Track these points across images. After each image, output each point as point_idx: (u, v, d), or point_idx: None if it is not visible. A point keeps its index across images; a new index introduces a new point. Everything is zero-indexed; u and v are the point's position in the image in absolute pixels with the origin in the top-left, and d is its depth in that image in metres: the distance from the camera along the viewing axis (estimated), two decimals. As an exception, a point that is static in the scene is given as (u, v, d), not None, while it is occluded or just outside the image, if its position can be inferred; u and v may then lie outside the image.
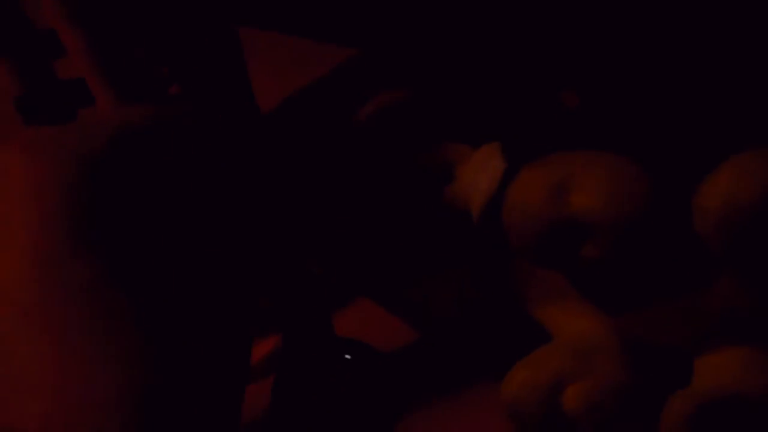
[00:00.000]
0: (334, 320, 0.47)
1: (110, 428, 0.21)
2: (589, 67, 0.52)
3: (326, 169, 0.52)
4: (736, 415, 0.39)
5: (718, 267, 0.38)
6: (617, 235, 0.35)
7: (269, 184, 0.35)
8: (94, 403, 0.21)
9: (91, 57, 0.38)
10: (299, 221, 0.46)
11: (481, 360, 0.47)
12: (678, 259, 0.37)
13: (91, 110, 0.28)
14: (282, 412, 0.48)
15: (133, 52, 0.38)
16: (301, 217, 0.49)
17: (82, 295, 0.22)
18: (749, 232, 0.35)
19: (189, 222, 0.26)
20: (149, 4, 0.38)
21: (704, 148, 0.37)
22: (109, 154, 0.25)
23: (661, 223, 0.35)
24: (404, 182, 0.51)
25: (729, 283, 0.38)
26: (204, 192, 0.28)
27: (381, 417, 0.47)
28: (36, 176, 0.23)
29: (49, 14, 0.36)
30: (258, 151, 0.34)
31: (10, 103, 0.45)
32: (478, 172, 0.46)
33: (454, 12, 0.59)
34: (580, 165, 0.35)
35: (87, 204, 0.23)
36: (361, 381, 0.49)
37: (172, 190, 0.26)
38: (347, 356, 0.48)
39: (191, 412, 0.23)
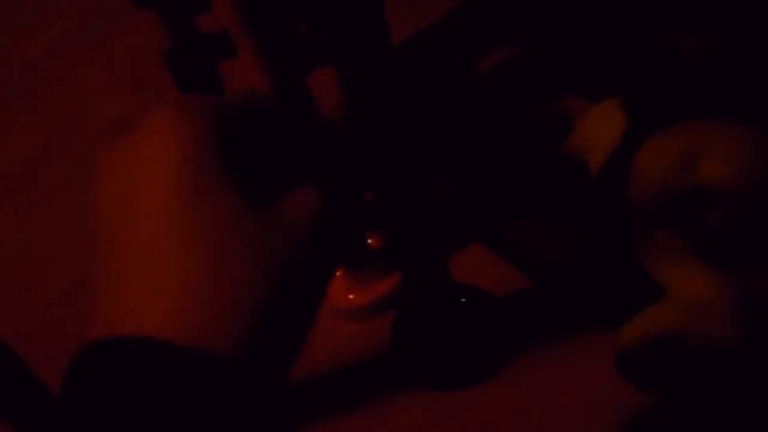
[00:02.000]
0: (451, 265, 0.49)
1: (241, 326, 0.24)
2: (716, 10, 0.51)
3: (449, 116, 0.53)
4: None
5: None
6: (745, 203, 0.35)
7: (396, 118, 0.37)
8: (216, 303, 0.24)
9: (235, 11, 0.40)
10: (421, 156, 0.47)
11: (592, 310, 0.49)
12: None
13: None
14: (400, 348, 0.51)
15: (276, 6, 0.41)
16: (423, 152, 0.50)
17: (215, 218, 0.25)
18: None
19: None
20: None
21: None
22: (238, 116, 0.29)
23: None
24: (524, 132, 0.52)
25: None
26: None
27: (493, 359, 0.49)
28: (185, 131, 0.27)
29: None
30: (390, 83, 0.37)
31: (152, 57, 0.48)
32: (598, 128, 0.47)
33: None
34: (711, 135, 0.36)
35: (221, 150, 0.27)
36: (476, 323, 0.51)
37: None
38: (463, 299, 0.51)
39: (289, 321, 0.26)
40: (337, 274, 0.53)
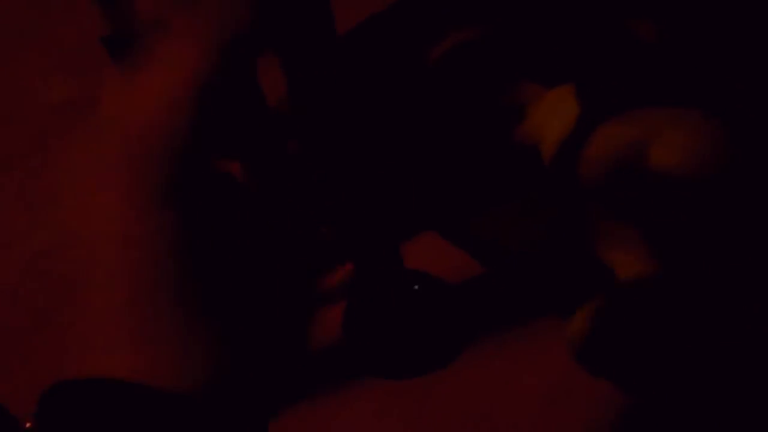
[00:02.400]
0: (403, 252, 0.49)
1: (190, 376, 0.24)
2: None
3: (399, 103, 0.52)
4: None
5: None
6: (694, 191, 0.35)
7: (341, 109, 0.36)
8: (174, 357, 0.24)
9: None
10: (370, 149, 0.47)
11: (545, 296, 0.49)
12: (754, 215, 0.38)
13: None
14: (352, 338, 0.50)
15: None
16: (372, 145, 0.50)
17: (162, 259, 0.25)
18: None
19: None
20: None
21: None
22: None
23: (738, 181, 0.36)
24: (476, 118, 0.52)
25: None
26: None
27: (446, 347, 0.49)
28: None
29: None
30: (335, 71, 0.36)
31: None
32: (551, 115, 0.47)
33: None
34: (662, 121, 0.35)
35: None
36: (428, 311, 0.51)
37: None
38: (416, 286, 0.50)
39: (256, 360, 0.26)
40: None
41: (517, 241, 0.50)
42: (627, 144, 0.36)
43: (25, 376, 0.52)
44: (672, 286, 0.42)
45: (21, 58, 0.74)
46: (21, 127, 0.69)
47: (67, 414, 0.23)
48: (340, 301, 0.51)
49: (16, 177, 0.65)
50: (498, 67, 0.51)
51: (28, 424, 0.46)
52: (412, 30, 0.53)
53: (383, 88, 0.52)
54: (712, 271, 0.40)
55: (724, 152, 0.35)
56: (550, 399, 0.46)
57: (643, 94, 0.40)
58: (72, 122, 0.67)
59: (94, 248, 0.26)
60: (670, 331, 0.43)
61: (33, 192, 0.64)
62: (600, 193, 0.38)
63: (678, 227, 0.39)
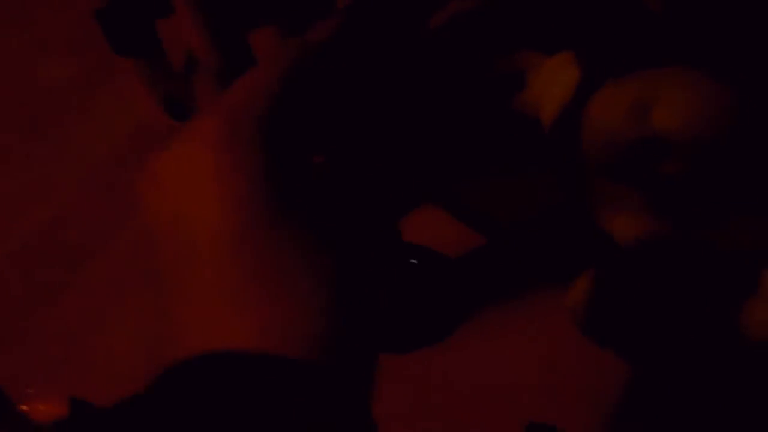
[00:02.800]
0: (401, 226, 0.48)
1: (305, 340, 0.24)
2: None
3: (400, 72, 0.52)
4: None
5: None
6: (699, 153, 0.35)
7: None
8: (297, 317, 0.24)
9: None
10: (372, 121, 0.47)
11: (548, 265, 0.49)
12: (755, 178, 0.37)
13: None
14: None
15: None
16: (374, 117, 0.49)
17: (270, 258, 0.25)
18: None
19: None
20: None
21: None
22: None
23: (742, 143, 0.35)
24: (476, 87, 0.51)
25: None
26: None
27: (446, 320, 0.49)
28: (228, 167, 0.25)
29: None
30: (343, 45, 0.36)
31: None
32: (551, 82, 0.46)
33: None
34: (664, 83, 0.35)
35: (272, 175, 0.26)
36: (427, 285, 0.50)
37: None
38: (413, 261, 0.50)
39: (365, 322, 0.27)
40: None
41: (517, 210, 0.50)
42: (627, 106, 0.35)
43: (20, 357, 0.52)
44: (673, 250, 0.42)
45: (15, 39, 0.74)
46: (18, 108, 0.68)
47: (193, 390, 0.23)
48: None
49: (12, 160, 0.65)
50: (497, 35, 0.50)
51: (24, 407, 0.46)
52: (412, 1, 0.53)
53: (384, 55, 0.51)
54: (713, 234, 0.40)
55: (726, 112, 0.34)
56: (550, 367, 0.46)
57: (645, 59, 0.39)
58: (70, 102, 0.67)
59: (193, 214, 0.25)
60: (670, 299, 0.42)
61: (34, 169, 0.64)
62: (601, 157, 0.38)
63: (682, 190, 0.38)
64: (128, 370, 0.50)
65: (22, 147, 0.65)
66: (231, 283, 0.24)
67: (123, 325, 0.52)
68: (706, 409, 0.44)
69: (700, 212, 0.40)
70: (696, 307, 0.42)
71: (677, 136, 0.34)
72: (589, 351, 0.44)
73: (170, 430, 0.22)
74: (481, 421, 0.45)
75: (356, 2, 0.55)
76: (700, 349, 0.44)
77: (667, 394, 0.44)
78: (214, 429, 0.22)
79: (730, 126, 0.34)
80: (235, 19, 0.41)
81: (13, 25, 0.74)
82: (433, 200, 0.53)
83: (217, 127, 0.26)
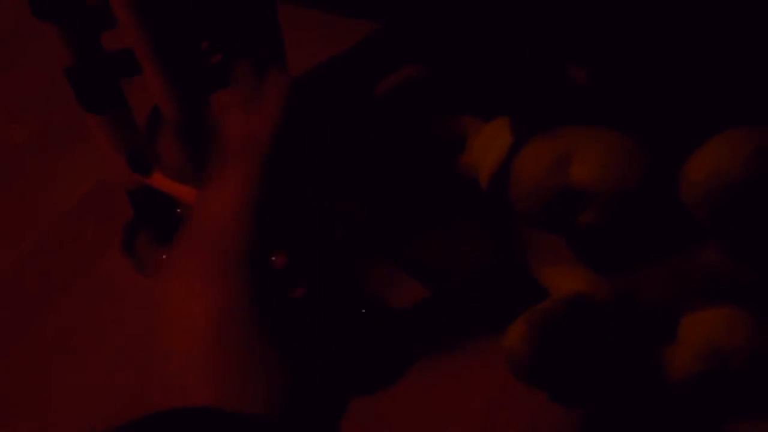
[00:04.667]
0: (364, 277, 0.51)
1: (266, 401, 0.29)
2: (597, 42, 0.55)
3: (347, 135, 0.56)
4: (719, 366, 0.43)
5: (703, 235, 0.41)
6: (612, 204, 0.39)
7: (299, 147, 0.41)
8: (252, 387, 0.29)
9: (140, 29, 0.42)
10: (323, 180, 0.50)
11: (484, 314, 0.52)
12: (667, 227, 0.41)
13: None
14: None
15: (179, 26, 0.42)
16: (324, 176, 0.53)
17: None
18: (732, 204, 0.39)
19: None
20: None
21: (693, 125, 0.41)
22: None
23: (652, 194, 0.39)
24: (420, 151, 0.55)
25: (713, 249, 0.42)
26: None
27: (391, 366, 0.51)
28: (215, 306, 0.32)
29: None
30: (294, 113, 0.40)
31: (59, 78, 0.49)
32: (488, 145, 0.50)
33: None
34: (581, 139, 0.39)
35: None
36: (375, 332, 0.53)
37: None
38: (363, 310, 0.53)
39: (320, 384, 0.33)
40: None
41: (458, 263, 0.53)
42: (549, 160, 0.39)
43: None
44: (596, 305, 0.45)
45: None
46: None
47: None
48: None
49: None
50: (441, 101, 0.54)
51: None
52: (363, 66, 0.57)
53: (335, 119, 0.55)
54: (634, 283, 0.43)
55: (636, 165, 0.38)
56: (491, 411, 0.48)
57: (568, 120, 0.43)
58: (37, 161, 0.70)
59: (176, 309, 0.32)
60: (597, 346, 0.45)
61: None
62: (527, 208, 0.41)
63: (600, 239, 0.42)
64: (82, 422, 0.52)
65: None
66: (202, 360, 0.30)
67: (70, 374, 0.54)
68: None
69: (619, 261, 0.44)
70: (619, 353, 0.46)
71: (593, 187, 0.38)
72: (528, 394, 0.46)
73: None
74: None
75: (314, 70, 0.59)
76: (624, 391, 0.47)
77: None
78: None
79: (639, 177, 0.38)
80: (200, 80, 0.44)
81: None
82: (382, 252, 0.56)
83: (203, 262, 0.33)
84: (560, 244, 0.45)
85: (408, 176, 0.56)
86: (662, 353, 0.45)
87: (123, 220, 0.58)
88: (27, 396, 0.54)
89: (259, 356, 0.30)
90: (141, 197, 0.55)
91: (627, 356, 0.45)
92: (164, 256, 0.58)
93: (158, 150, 0.51)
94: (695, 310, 0.45)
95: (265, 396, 0.29)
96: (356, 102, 0.57)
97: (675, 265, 0.43)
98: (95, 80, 0.48)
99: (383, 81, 0.56)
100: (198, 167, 0.46)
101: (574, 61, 0.55)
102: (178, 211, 0.57)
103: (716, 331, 0.43)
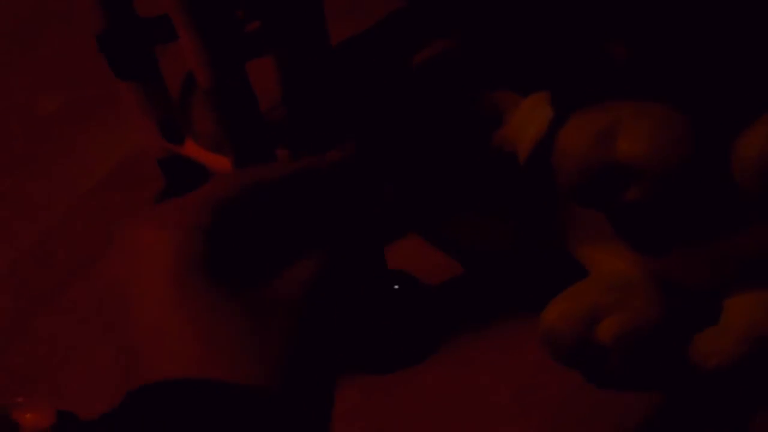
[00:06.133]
0: (387, 253, 0.50)
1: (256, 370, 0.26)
2: (639, 18, 0.54)
3: (383, 108, 0.55)
4: (761, 352, 0.42)
5: (751, 214, 0.40)
6: (660, 180, 0.37)
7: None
8: (240, 354, 0.26)
9: None
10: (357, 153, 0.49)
11: (521, 293, 0.51)
12: (714, 206, 0.40)
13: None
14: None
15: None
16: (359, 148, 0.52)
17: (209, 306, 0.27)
18: (784, 182, 0.38)
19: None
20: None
21: (746, 101, 0.40)
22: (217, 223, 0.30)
23: (701, 171, 0.38)
24: (456, 125, 0.54)
25: (761, 230, 0.41)
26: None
27: (424, 344, 0.51)
28: (165, 247, 0.28)
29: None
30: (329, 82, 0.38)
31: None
32: (527, 120, 0.49)
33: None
34: (628, 113, 0.38)
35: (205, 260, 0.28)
36: (408, 309, 0.52)
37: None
38: (395, 286, 0.52)
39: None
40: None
41: (494, 241, 0.52)
42: (594, 134, 0.38)
43: (10, 366, 0.53)
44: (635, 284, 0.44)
45: (14, 71, 0.76)
46: (12, 138, 0.70)
47: (153, 418, 0.25)
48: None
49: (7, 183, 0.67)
50: (477, 75, 0.53)
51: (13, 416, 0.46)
52: (398, 38, 0.56)
53: (370, 93, 0.54)
54: (675, 265, 0.42)
55: (685, 141, 0.37)
56: (521, 393, 0.47)
57: (610, 95, 0.42)
58: (66, 132, 0.69)
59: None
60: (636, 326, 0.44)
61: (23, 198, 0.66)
62: (571, 184, 0.40)
63: (647, 218, 0.41)
64: (111, 383, 0.52)
65: (13, 174, 0.67)
66: (177, 323, 0.27)
67: (105, 341, 0.53)
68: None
69: (663, 240, 0.42)
70: (659, 334, 0.45)
71: (640, 163, 0.37)
72: (562, 376, 0.46)
73: None
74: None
75: (349, 41, 0.58)
76: (662, 374, 0.46)
77: (635, 416, 0.46)
78: None
79: (688, 154, 0.37)
80: (235, 49, 0.44)
81: (12, 62, 0.77)
82: (416, 230, 0.55)
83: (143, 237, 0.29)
84: (602, 221, 0.44)
85: (442, 151, 0.55)
86: (703, 336, 0.44)
87: (154, 190, 0.58)
88: (49, 366, 0.54)
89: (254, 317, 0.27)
90: (173, 166, 0.54)
91: (666, 338, 0.45)
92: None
93: (191, 118, 0.50)
94: (739, 294, 0.44)
95: (262, 367, 0.26)
96: (390, 76, 0.56)
97: (720, 247, 0.42)
98: (128, 46, 0.48)
99: (418, 55, 0.55)
100: (231, 135, 0.45)
101: (618, 33, 0.54)
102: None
103: (760, 316, 0.42)
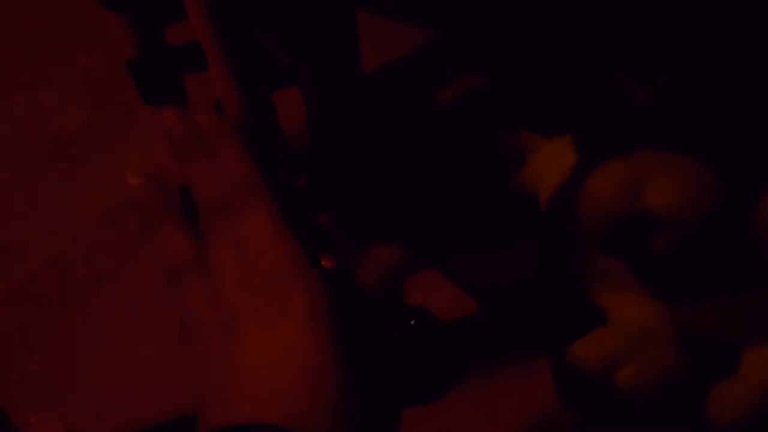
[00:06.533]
0: (405, 288, 0.50)
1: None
2: (661, 61, 0.54)
3: (408, 142, 0.55)
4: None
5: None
6: (686, 232, 0.37)
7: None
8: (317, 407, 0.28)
9: (209, 23, 0.41)
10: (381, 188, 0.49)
11: (536, 335, 0.50)
12: (737, 260, 0.40)
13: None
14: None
15: (249, 22, 0.42)
16: (382, 183, 0.52)
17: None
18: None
19: None
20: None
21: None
22: None
23: (726, 225, 0.38)
24: (478, 163, 0.54)
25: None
26: None
27: (441, 380, 0.50)
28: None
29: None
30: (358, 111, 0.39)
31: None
32: (549, 162, 0.49)
33: (534, 3, 0.61)
34: (657, 164, 0.38)
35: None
36: (424, 345, 0.52)
37: None
38: (412, 322, 0.52)
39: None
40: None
41: (513, 281, 0.52)
42: (623, 182, 0.38)
43: (24, 384, 0.53)
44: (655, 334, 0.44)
45: (41, 84, 0.77)
46: (32, 152, 0.71)
47: None
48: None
49: (18, 199, 0.67)
50: (501, 115, 0.53)
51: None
52: (425, 74, 0.56)
53: (396, 126, 0.54)
54: (696, 315, 0.42)
55: (710, 193, 0.37)
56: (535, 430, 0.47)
57: (635, 144, 0.42)
58: (82, 151, 0.70)
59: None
60: (659, 377, 0.44)
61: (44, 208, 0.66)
62: (596, 230, 0.40)
63: (668, 266, 0.41)
64: (124, 405, 0.51)
65: (31, 189, 0.67)
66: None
67: (120, 361, 0.53)
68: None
69: (684, 291, 0.42)
70: (676, 385, 0.44)
71: (667, 213, 0.37)
72: (574, 418, 0.45)
73: None
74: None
75: (377, 73, 0.58)
76: (681, 423, 0.45)
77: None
78: None
79: (714, 205, 0.37)
80: (263, 76, 0.44)
81: (40, 76, 0.77)
82: (435, 265, 0.55)
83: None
84: (623, 268, 0.43)
85: (464, 189, 0.55)
86: (720, 388, 0.44)
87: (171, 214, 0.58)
88: (81, 366, 0.53)
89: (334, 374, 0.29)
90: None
91: (684, 387, 0.44)
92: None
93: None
94: (758, 346, 0.44)
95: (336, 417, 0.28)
96: (415, 110, 0.57)
97: (742, 300, 0.42)
98: (157, 72, 0.48)
99: (443, 91, 0.55)
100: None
101: (641, 77, 0.54)
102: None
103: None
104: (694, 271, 0.42)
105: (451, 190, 0.55)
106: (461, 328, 0.52)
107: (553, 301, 0.50)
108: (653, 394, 0.43)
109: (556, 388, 0.47)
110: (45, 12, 0.82)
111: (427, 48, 0.60)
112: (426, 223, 0.56)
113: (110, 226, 0.63)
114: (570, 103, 0.54)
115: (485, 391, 0.49)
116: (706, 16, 0.54)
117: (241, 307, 0.31)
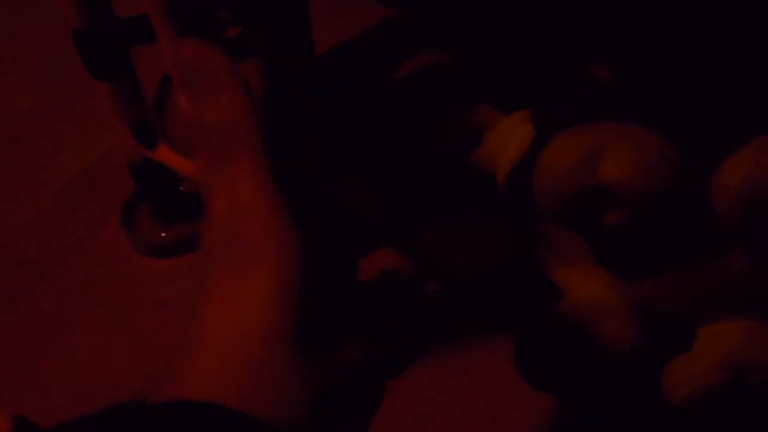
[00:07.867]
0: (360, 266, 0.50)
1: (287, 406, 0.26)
2: (623, 41, 0.54)
3: (363, 120, 0.54)
4: (734, 381, 0.42)
5: (730, 242, 0.40)
6: (641, 204, 0.37)
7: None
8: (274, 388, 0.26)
9: None
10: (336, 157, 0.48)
11: (494, 313, 0.50)
12: (693, 233, 0.39)
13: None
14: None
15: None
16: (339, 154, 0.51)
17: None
18: (764, 212, 0.37)
19: None
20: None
21: (729, 128, 0.39)
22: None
23: (682, 197, 0.38)
24: (435, 140, 0.53)
25: (739, 259, 0.41)
26: None
27: (397, 359, 0.50)
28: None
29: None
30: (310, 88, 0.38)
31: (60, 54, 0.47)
32: (507, 138, 0.49)
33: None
34: (612, 136, 0.37)
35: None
36: (383, 324, 0.51)
37: None
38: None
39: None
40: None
41: (469, 259, 0.51)
42: (578, 155, 0.37)
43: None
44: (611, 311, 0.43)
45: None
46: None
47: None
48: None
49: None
50: (458, 90, 0.53)
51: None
52: (382, 50, 0.55)
53: (354, 102, 0.54)
54: (652, 290, 0.42)
55: (668, 166, 0.37)
56: (495, 410, 0.47)
57: (593, 116, 0.42)
58: (40, 130, 0.68)
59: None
60: (609, 353, 0.44)
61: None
62: (552, 205, 0.40)
63: (626, 242, 0.40)
64: (76, 393, 0.50)
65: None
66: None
67: (73, 348, 0.52)
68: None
69: (640, 265, 0.42)
70: (632, 361, 0.44)
71: (623, 186, 0.36)
72: (533, 394, 0.45)
73: None
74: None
75: (333, 50, 0.57)
76: (635, 400, 0.45)
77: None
78: None
79: (671, 179, 0.37)
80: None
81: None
82: (391, 245, 0.55)
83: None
84: (579, 244, 0.43)
85: (421, 166, 0.55)
86: (675, 363, 0.44)
87: (125, 192, 0.57)
88: (17, 367, 0.52)
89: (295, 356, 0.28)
90: (143, 171, 0.53)
91: (639, 363, 0.44)
92: (162, 234, 0.57)
93: (166, 122, 0.49)
94: (713, 322, 0.43)
95: (293, 401, 0.27)
96: (373, 86, 0.56)
97: (697, 274, 0.42)
98: (105, 45, 0.47)
99: (402, 66, 0.54)
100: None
101: (603, 57, 0.54)
102: (181, 188, 0.56)
103: (741, 343, 0.42)
104: (650, 244, 0.41)
105: (410, 167, 0.55)
106: (420, 307, 0.51)
107: (510, 278, 0.50)
108: (609, 371, 0.43)
109: (516, 364, 0.46)
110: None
111: (386, 25, 0.59)
112: (385, 200, 0.55)
113: (64, 208, 0.61)
114: (530, 77, 0.54)
115: (443, 373, 0.49)
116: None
117: (212, 269, 0.30)
